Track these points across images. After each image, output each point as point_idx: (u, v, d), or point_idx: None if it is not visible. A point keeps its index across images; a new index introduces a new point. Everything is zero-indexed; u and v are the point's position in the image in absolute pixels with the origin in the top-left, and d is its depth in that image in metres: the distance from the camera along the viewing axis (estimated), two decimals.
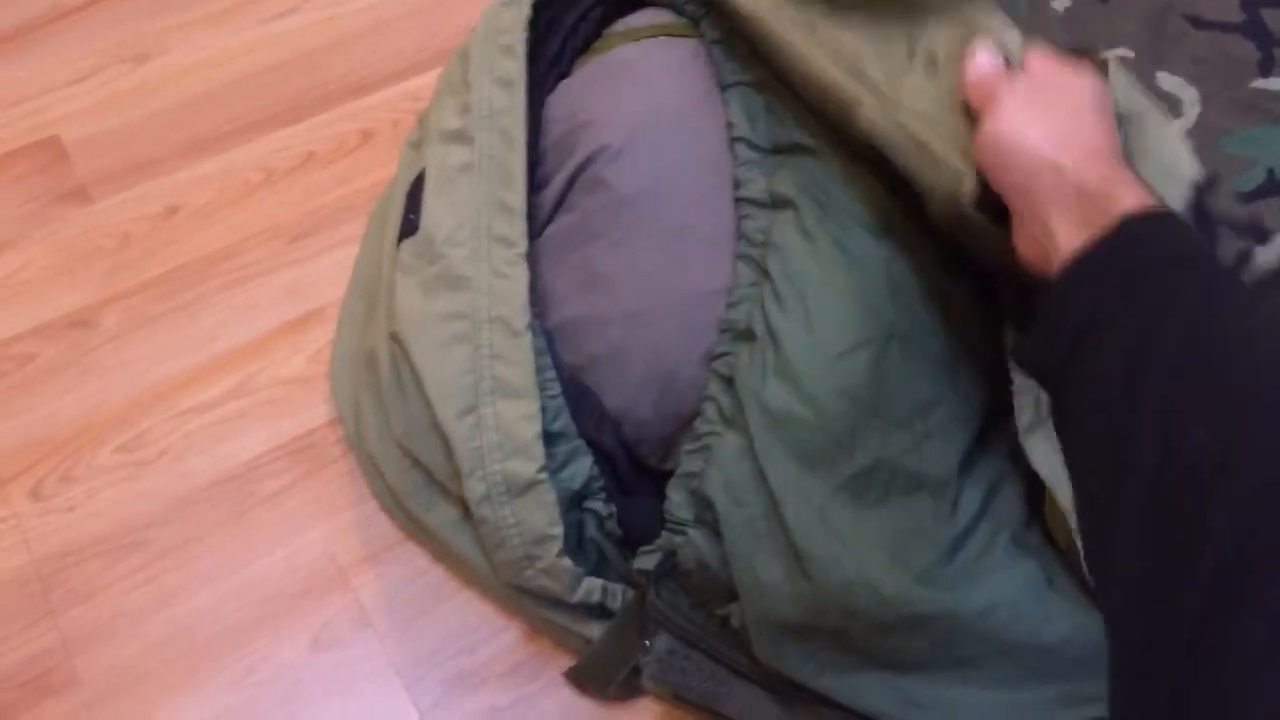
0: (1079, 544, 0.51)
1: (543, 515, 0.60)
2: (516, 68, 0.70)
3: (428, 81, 0.96)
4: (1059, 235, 0.49)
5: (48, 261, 0.85)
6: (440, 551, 0.70)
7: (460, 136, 0.69)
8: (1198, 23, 0.85)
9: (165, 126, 0.94)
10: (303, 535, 0.73)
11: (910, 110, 0.60)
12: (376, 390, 0.68)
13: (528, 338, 0.61)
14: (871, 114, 0.61)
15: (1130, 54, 0.83)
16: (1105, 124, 0.55)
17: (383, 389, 0.67)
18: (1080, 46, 0.64)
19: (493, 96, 0.69)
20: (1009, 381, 0.62)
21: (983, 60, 0.59)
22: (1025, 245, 0.53)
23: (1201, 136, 0.80)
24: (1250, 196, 0.77)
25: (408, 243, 0.68)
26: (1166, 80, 0.83)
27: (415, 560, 0.71)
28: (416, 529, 0.70)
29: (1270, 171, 0.78)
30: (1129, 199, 0.48)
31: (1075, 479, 0.45)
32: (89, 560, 0.71)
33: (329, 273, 0.85)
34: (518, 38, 0.71)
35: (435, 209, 0.67)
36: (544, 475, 0.59)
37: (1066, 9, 0.84)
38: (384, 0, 1.03)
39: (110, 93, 0.96)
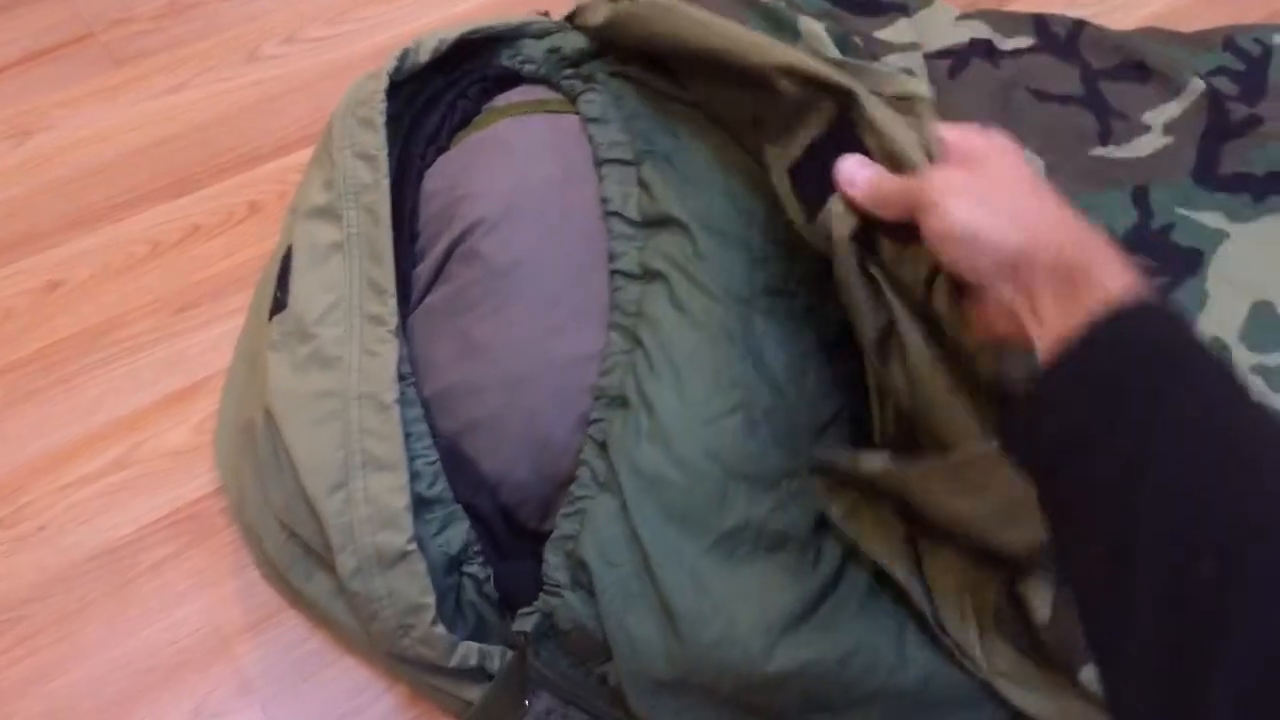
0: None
1: (415, 585, 0.61)
2: (376, 140, 0.71)
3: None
4: (1044, 313, 0.48)
5: None
6: (321, 619, 0.70)
7: (327, 213, 0.71)
8: (1041, 96, 0.92)
9: (49, 201, 0.94)
10: (184, 605, 0.73)
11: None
12: (255, 461, 0.69)
13: (396, 411, 0.63)
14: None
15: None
16: (1050, 191, 0.54)
17: (260, 460, 0.68)
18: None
19: (356, 171, 0.71)
20: (872, 445, 0.66)
21: (855, 173, 0.57)
22: (993, 318, 0.53)
23: None
24: None
25: (277, 319, 0.69)
26: None
27: (297, 628, 0.72)
28: (297, 598, 0.70)
29: (1110, 233, 0.83)
30: (1112, 278, 0.47)
31: (1073, 582, 0.44)
32: None
33: (214, 343, 0.85)
34: (376, 109, 0.71)
35: (305, 287, 0.69)
36: (413, 546, 0.61)
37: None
38: (272, 75, 1.05)
39: None
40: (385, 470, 0.62)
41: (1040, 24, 0.97)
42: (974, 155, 0.56)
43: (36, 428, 0.81)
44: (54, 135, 1.00)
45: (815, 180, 0.61)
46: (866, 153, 0.59)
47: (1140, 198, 0.86)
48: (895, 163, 0.57)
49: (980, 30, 0.95)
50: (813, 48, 0.85)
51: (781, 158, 0.64)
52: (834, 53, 0.84)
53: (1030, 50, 0.95)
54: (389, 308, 0.66)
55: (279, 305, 0.69)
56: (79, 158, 0.98)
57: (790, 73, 0.62)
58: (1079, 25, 0.97)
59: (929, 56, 0.93)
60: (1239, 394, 0.43)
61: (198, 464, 0.79)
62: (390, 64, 0.75)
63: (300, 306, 0.68)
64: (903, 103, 0.62)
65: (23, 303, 0.88)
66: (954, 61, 0.93)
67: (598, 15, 0.76)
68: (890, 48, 0.93)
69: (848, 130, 0.60)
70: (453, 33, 0.77)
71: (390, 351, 0.65)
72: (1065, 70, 0.93)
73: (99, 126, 1.01)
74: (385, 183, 0.69)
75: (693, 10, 0.69)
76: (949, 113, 0.88)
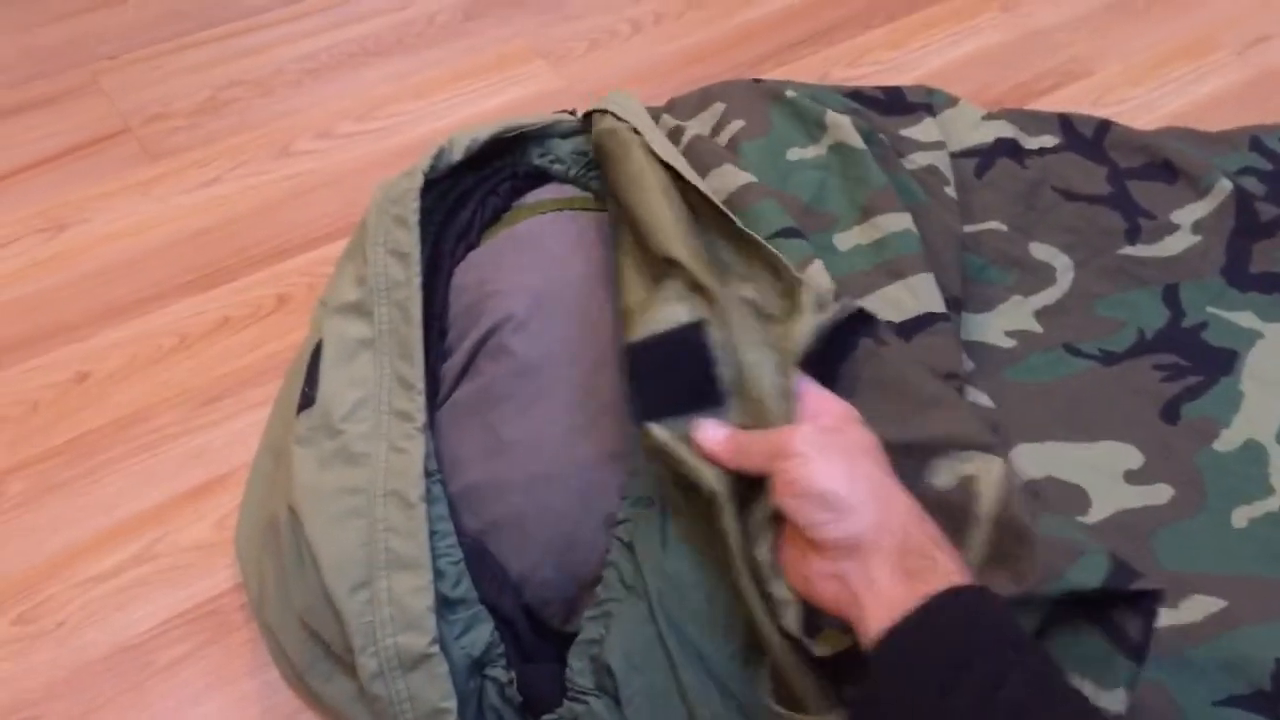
0: None
1: (436, 689, 0.60)
2: (409, 238, 0.71)
3: (345, 247, 0.99)
4: (880, 587, 0.52)
5: None
6: None
7: (359, 309, 0.71)
8: (1068, 195, 0.92)
9: (80, 293, 0.95)
10: (201, 705, 0.71)
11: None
12: (278, 559, 0.68)
13: (421, 509, 0.62)
14: None
15: (1003, 227, 0.89)
16: (892, 473, 0.58)
17: (283, 558, 0.67)
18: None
19: (389, 268, 0.71)
20: None
21: (711, 434, 0.60)
22: (824, 585, 0.54)
23: (1077, 300, 0.85)
24: (1123, 356, 0.82)
25: (304, 415, 0.69)
26: (1039, 250, 0.88)
27: None
28: (316, 700, 0.69)
29: (1141, 332, 0.83)
30: (947, 564, 0.52)
31: None
32: None
33: (238, 437, 0.85)
34: (409, 208, 0.72)
35: (333, 383, 0.68)
36: (435, 648, 0.60)
37: (954, 192, 0.89)
38: (304, 170, 1.07)
39: (27, 261, 0.98)
40: (409, 570, 0.61)
41: (1065, 124, 0.98)
42: (831, 419, 0.59)
43: (59, 521, 0.80)
44: (88, 228, 1.01)
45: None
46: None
47: (1171, 297, 0.85)
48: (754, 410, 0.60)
49: (1005, 130, 0.96)
50: (838, 140, 0.86)
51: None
52: (861, 145, 0.85)
53: (1055, 149, 0.96)
54: (417, 404, 0.66)
55: (307, 401, 0.69)
56: (111, 250, 0.99)
57: (671, 264, 0.65)
58: (1104, 125, 0.97)
59: (955, 155, 0.93)
60: (1056, 674, 0.50)
61: (218, 560, 0.78)
62: (425, 163, 0.76)
63: (328, 402, 0.68)
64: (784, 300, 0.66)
65: (50, 395, 0.88)
66: (980, 161, 0.94)
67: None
68: (917, 145, 0.93)
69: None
70: (485, 131, 0.79)
71: (417, 448, 0.64)
72: (1092, 169, 0.94)
73: (132, 220, 1.02)
74: (417, 280, 0.70)
75: (639, 162, 0.72)
76: (977, 213, 0.90)
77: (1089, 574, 0.54)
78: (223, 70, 1.18)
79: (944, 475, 0.61)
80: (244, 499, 0.79)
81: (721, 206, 0.71)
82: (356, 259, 0.75)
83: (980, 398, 0.78)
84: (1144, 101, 1.15)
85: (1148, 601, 0.53)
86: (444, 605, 0.62)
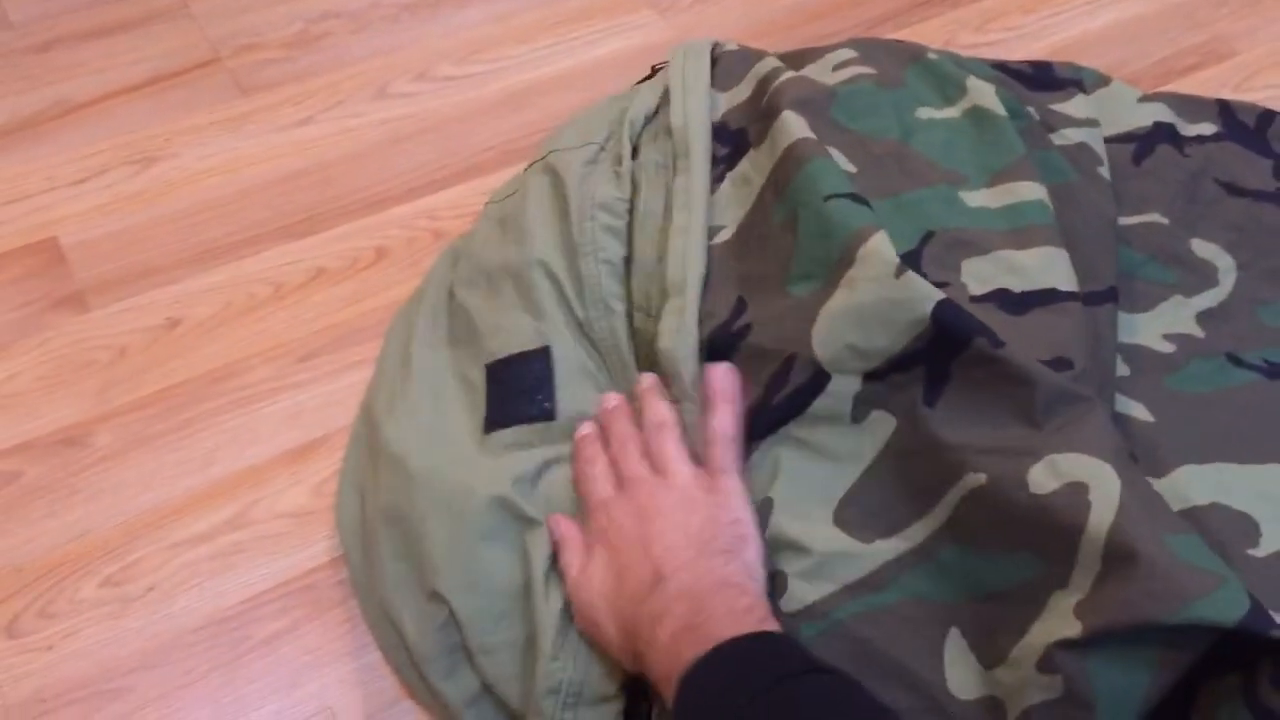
0: None
1: None
2: (620, 250, 0.70)
3: (446, 199, 0.94)
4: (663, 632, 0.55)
5: (38, 372, 0.81)
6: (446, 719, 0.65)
7: (585, 326, 0.70)
8: (1232, 189, 0.85)
9: (169, 234, 0.91)
10: (298, 688, 0.68)
11: None
12: (407, 538, 0.64)
13: None
14: None
15: (1164, 220, 0.83)
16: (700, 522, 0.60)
17: (419, 539, 0.63)
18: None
19: (605, 281, 0.70)
20: None
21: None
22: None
23: (1240, 305, 0.79)
24: None
25: (538, 426, 0.66)
26: (1202, 248, 0.82)
27: None
28: (425, 692, 0.65)
29: None
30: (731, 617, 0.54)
31: None
32: (63, 709, 0.66)
33: (336, 397, 0.81)
34: (620, 217, 0.72)
35: (575, 400, 0.67)
36: (621, 694, 0.57)
37: (1108, 172, 0.83)
38: (402, 114, 1.01)
39: (114, 196, 0.93)
40: None
41: (1225, 110, 0.91)
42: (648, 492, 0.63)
43: (149, 478, 0.76)
44: (176, 164, 0.96)
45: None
46: None
47: None
48: None
49: (1164, 114, 0.89)
50: (977, 104, 0.80)
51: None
52: (1002, 112, 0.79)
53: (1215, 138, 0.89)
54: None
55: (545, 414, 0.67)
56: (202, 189, 0.94)
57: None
58: (1268, 115, 0.90)
59: (1111, 140, 0.86)
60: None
61: (315, 529, 0.74)
62: (628, 164, 0.75)
63: (572, 416, 0.67)
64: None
65: (139, 340, 0.84)
66: (1138, 146, 0.87)
67: None
68: (1069, 120, 0.87)
69: None
70: (653, 97, 0.78)
71: None
72: (1256, 162, 0.87)
73: (223, 157, 0.97)
74: (623, 292, 0.70)
75: None
76: (1136, 203, 0.83)
77: (1222, 610, 0.49)
78: (316, 0, 1.12)
79: (1046, 479, 0.57)
80: (344, 467, 0.75)
81: None
82: (551, 254, 0.72)
83: (1135, 408, 0.72)
84: None
85: None
86: None
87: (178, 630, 0.69)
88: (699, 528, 0.59)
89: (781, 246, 0.71)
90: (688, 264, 0.70)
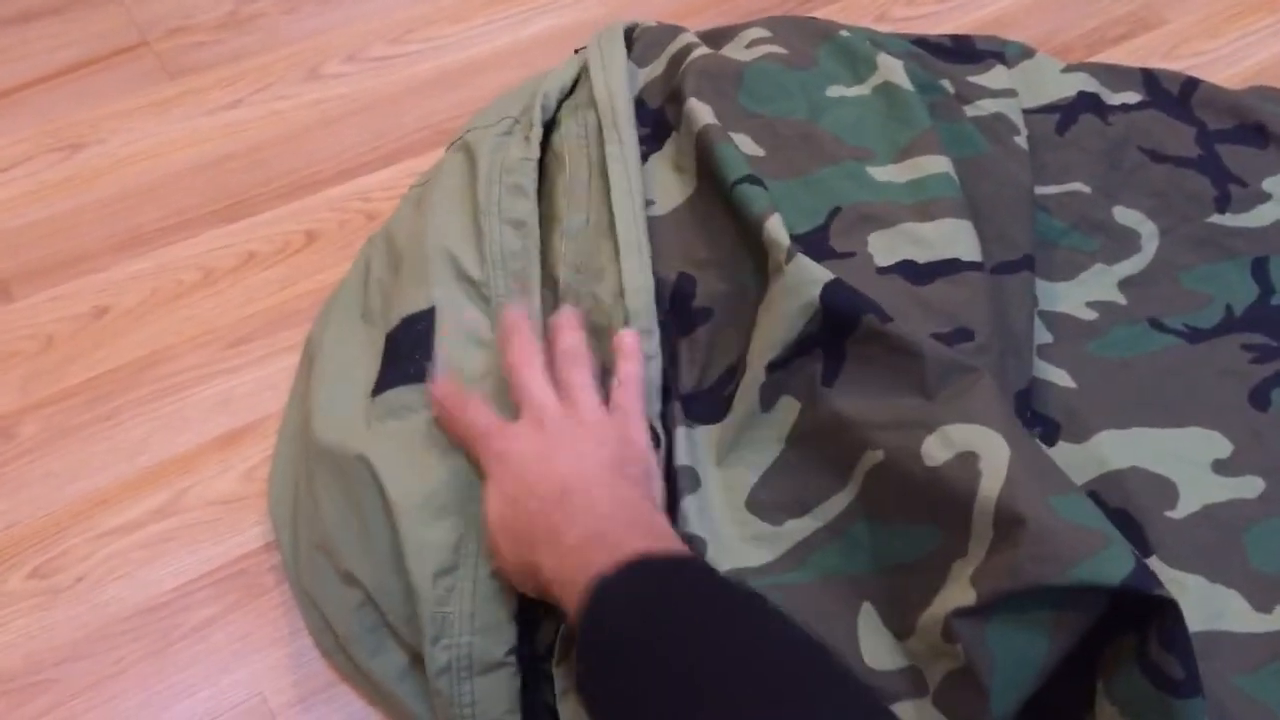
0: None
1: (502, 700, 0.56)
2: (528, 207, 0.69)
3: (378, 180, 0.94)
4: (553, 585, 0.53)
5: None
6: (379, 699, 0.65)
7: (473, 280, 0.69)
8: (1155, 156, 0.86)
9: (96, 221, 0.90)
10: (230, 674, 0.67)
11: None
12: (330, 522, 0.64)
13: None
14: None
15: (1086, 189, 0.84)
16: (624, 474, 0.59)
17: (341, 523, 0.63)
18: None
19: (505, 239, 0.68)
20: None
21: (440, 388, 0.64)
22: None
23: (1162, 271, 0.80)
24: (1210, 334, 0.77)
25: (417, 387, 0.65)
26: (1124, 214, 0.83)
27: (351, 705, 0.66)
28: (355, 673, 0.65)
29: (1229, 309, 0.78)
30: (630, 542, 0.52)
31: None
32: None
33: (267, 383, 0.80)
34: (529, 177, 0.71)
35: (454, 358, 0.65)
36: (511, 659, 0.56)
37: (1026, 143, 0.84)
38: (334, 95, 1.00)
39: (38, 184, 0.92)
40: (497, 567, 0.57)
41: (1150, 79, 0.92)
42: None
43: (77, 468, 0.75)
44: (104, 149, 0.95)
45: None
46: None
47: (1260, 271, 0.80)
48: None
49: (1088, 84, 0.90)
50: (887, 80, 0.81)
51: None
52: (909, 87, 0.80)
53: (1139, 106, 0.90)
54: None
55: (421, 373, 0.65)
56: (129, 175, 0.93)
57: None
58: (1191, 82, 0.91)
59: (1033, 111, 0.87)
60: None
61: (247, 516, 0.74)
62: (538, 129, 0.75)
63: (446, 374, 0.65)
64: None
65: (66, 329, 0.83)
66: (1062, 116, 0.88)
67: None
68: (985, 91, 0.88)
69: None
70: (568, 74, 0.76)
71: None
72: (1179, 130, 0.88)
73: (151, 142, 0.96)
74: (535, 250, 0.68)
75: None
76: (1058, 173, 0.84)
77: (1106, 570, 0.51)
78: None
79: (939, 451, 0.58)
80: (275, 453, 0.75)
81: None
82: (454, 220, 0.71)
83: (1057, 374, 0.73)
84: (1221, 55, 1.08)
85: (1177, 632, 0.50)
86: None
87: (107, 620, 0.69)
88: (609, 456, 0.59)
89: (724, 232, 0.73)
90: (638, 225, 0.70)
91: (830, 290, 0.64)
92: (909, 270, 0.69)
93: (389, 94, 1.01)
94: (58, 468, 0.76)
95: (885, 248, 0.70)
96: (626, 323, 0.66)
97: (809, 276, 0.65)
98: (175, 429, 0.78)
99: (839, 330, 0.64)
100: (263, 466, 0.76)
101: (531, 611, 0.59)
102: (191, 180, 0.93)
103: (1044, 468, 0.57)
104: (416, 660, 0.61)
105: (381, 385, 0.66)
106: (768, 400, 0.66)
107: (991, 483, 0.55)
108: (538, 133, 0.74)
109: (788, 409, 0.66)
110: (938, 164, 0.76)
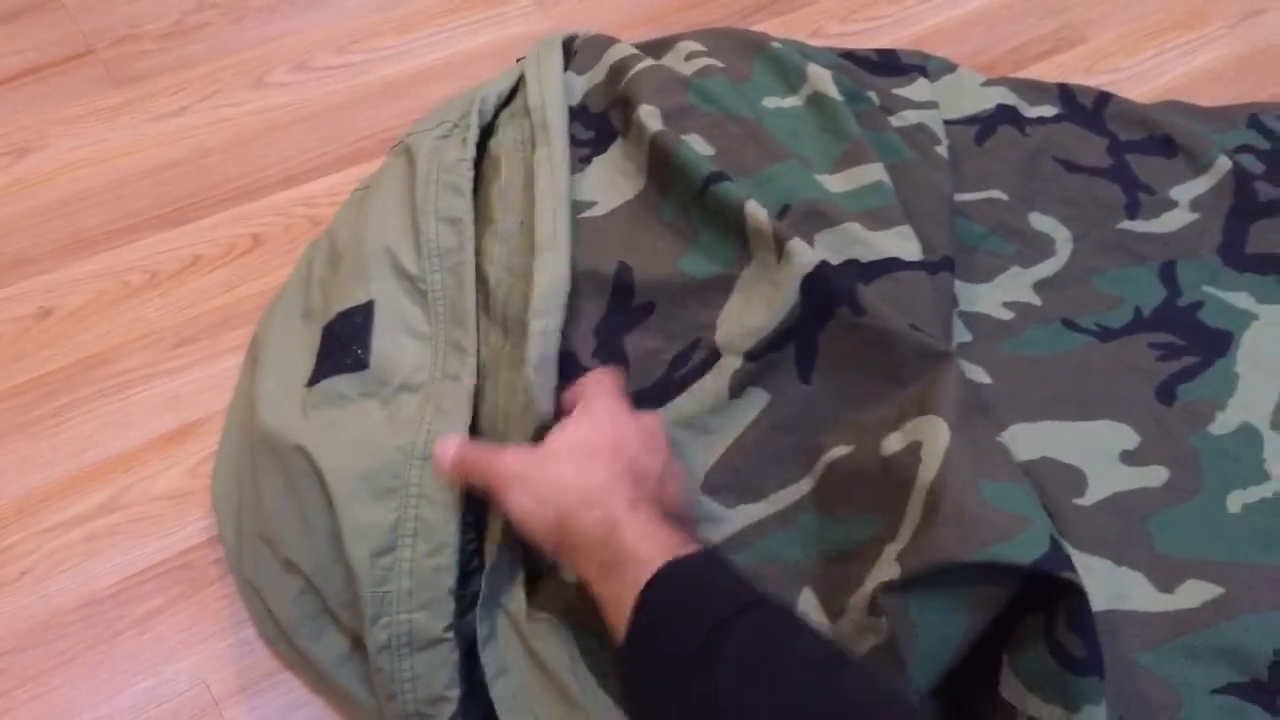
0: None
1: (442, 675, 0.58)
2: (464, 204, 0.71)
3: (322, 186, 0.96)
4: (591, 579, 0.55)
5: None
6: (320, 685, 0.67)
7: (409, 274, 0.71)
8: (1069, 166, 0.90)
9: (43, 224, 0.91)
10: (174, 663, 0.69)
11: None
12: (269, 511, 0.65)
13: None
14: None
15: (1003, 196, 0.88)
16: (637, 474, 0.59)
17: (280, 512, 0.64)
18: None
19: (441, 235, 0.70)
20: None
21: (448, 448, 0.62)
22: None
23: (1075, 274, 0.84)
24: (1120, 333, 0.81)
25: (352, 376, 0.67)
26: (1039, 220, 0.87)
27: (294, 692, 0.68)
28: (296, 660, 0.67)
29: (1138, 310, 0.82)
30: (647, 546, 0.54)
31: None
32: None
33: (211, 382, 0.82)
34: (464, 176, 0.73)
35: (389, 348, 0.67)
36: (450, 634, 0.58)
37: (947, 152, 0.87)
38: (279, 103, 1.02)
39: None
40: (435, 544, 0.59)
41: (1065, 93, 0.96)
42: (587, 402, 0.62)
43: (21, 465, 0.77)
44: (50, 155, 0.96)
45: None
46: None
47: (1168, 274, 0.84)
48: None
49: (1006, 97, 0.94)
50: (817, 90, 0.84)
51: None
52: (838, 97, 0.83)
53: (1056, 119, 0.94)
54: (468, 367, 0.65)
55: (359, 364, 0.68)
56: (75, 179, 0.94)
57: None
58: (1104, 97, 0.96)
59: (955, 123, 0.91)
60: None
61: (190, 510, 0.75)
62: (474, 131, 0.77)
63: (385, 366, 0.67)
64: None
65: (11, 330, 0.84)
66: (981, 128, 0.92)
67: None
68: (908, 103, 0.91)
69: None
70: (506, 83, 0.77)
71: (462, 410, 0.63)
72: (1092, 141, 0.92)
73: (97, 148, 0.97)
74: (470, 245, 0.70)
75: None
76: (977, 180, 0.88)
77: (1021, 551, 0.54)
78: None
79: (895, 441, 0.61)
80: (220, 449, 0.76)
81: None
82: (393, 219, 0.73)
83: (975, 371, 0.77)
84: (1137, 72, 1.14)
85: (1083, 614, 0.53)
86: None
87: (52, 611, 0.70)
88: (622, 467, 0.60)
89: (677, 232, 0.75)
90: (557, 223, 0.72)
91: (811, 280, 0.67)
92: (854, 269, 0.72)
93: (335, 102, 1.03)
94: (3, 464, 0.77)
95: (832, 246, 0.73)
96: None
97: (801, 260, 0.67)
98: (120, 427, 0.79)
99: (814, 322, 0.67)
100: (206, 463, 0.77)
101: (468, 588, 0.61)
102: (138, 185, 0.94)
103: (985, 453, 0.60)
104: (356, 645, 0.63)
105: (318, 375, 0.68)
106: (736, 388, 0.68)
107: (929, 468, 0.58)
108: (474, 135, 0.76)
109: (755, 399, 0.68)
110: (873, 172, 0.79)
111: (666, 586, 0.51)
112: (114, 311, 0.86)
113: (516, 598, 0.61)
